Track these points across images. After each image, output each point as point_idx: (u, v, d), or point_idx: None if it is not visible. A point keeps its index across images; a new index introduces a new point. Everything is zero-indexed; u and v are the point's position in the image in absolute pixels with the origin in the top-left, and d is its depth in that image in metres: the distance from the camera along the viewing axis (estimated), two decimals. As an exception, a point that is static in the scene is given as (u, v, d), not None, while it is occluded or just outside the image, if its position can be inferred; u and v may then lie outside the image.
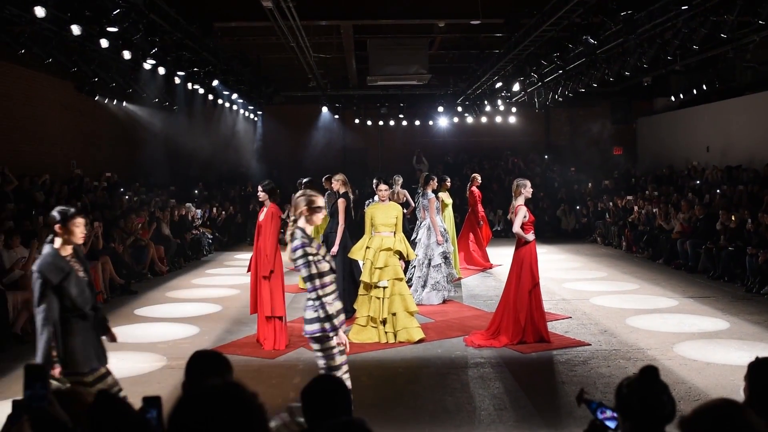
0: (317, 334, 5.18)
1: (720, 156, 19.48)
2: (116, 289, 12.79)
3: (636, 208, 18.22)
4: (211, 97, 18.44)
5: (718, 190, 16.55)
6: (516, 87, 17.92)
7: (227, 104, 20.84)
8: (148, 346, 9.26)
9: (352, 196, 11.21)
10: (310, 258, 5.15)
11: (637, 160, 25.30)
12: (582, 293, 12.42)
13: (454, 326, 10.04)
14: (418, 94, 23.39)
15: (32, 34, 11.35)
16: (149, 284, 14.01)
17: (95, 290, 5.25)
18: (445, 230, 12.26)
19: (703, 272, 14.04)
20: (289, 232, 5.34)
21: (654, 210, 17.17)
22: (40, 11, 9.71)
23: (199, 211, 19.42)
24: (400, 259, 9.34)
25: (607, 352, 8.59)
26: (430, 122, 25.74)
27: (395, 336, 9.11)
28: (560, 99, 18.60)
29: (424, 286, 11.62)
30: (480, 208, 15.34)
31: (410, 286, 11.08)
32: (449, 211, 13.81)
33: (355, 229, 11.65)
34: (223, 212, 20.69)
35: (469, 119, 24.48)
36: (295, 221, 5.37)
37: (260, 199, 9.18)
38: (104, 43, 11.49)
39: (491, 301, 11.46)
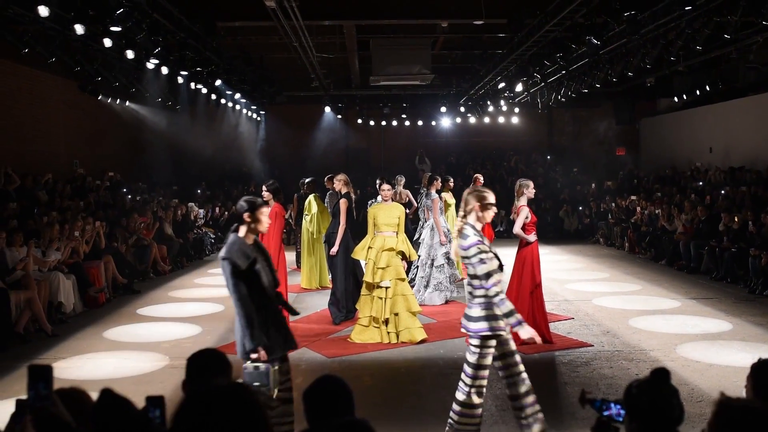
0: (485, 333, 5.19)
1: (723, 157, 19.46)
2: (119, 288, 12.80)
3: (639, 209, 18.21)
4: (214, 96, 18.43)
5: (722, 191, 16.53)
6: (519, 87, 17.90)
7: (230, 104, 20.83)
8: (150, 346, 9.28)
9: (353, 197, 11.22)
10: (484, 255, 5.16)
11: (640, 161, 25.28)
12: (584, 294, 12.41)
13: (456, 327, 9.90)
14: (421, 94, 23.39)
15: (36, 34, 11.36)
16: (152, 284, 14.02)
17: (276, 278, 5.31)
18: (448, 230, 12.25)
19: (706, 273, 14.02)
20: (457, 228, 5.34)
21: (657, 211, 17.16)
22: (43, 10, 9.70)
23: (201, 210, 19.44)
24: (402, 260, 9.33)
25: (609, 353, 8.58)
26: (433, 122, 25.74)
27: (397, 336, 9.10)
28: (563, 99, 18.59)
29: (426, 287, 11.62)
30: (482, 208, 15.31)
31: (413, 287, 11.08)
32: (452, 211, 13.80)
33: (358, 229, 11.65)
34: (226, 212, 20.70)
35: (472, 119, 24.47)
36: (464, 217, 5.35)
37: (264, 199, 9.18)
38: (107, 42, 11.49)
39: (493, 302, 11.45)
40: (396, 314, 9.11)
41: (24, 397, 2.67)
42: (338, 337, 9.58)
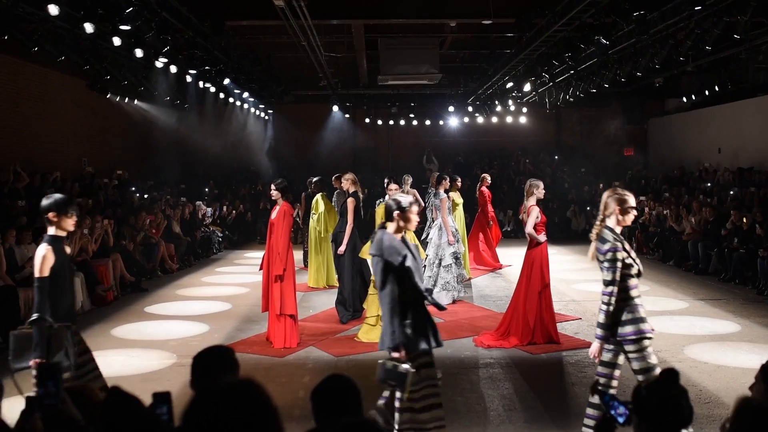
0: (631, 337, 5.13)
1: (731, 157, 19.39)
2: (127, 286, 12.85)
3: (647, 209, 18.15)
4: (222, 95, 18.46)
5: (731, 192, 16.46)
6: (527, 87, 17.87)
7: (238, 103, 20.86)
8: (158, 344, 9.30)
9: (361, 196, 11.22)
10: (619, 264, 5.12)
11: (648, 162, 25.21)
12: (592, 294, 12.36)
13: (463, 326, 10.03)
14: (429, 93, 23.38)
15: (45, 32, 11.40)
16: (159, 282, 14.06)
17: (423, 273, 5.30)
18: (456, 230, 12.25)
19: (714, 274, 13.97)
20: (595, 231, 5.31)
21: (665, 212, 17.10)
22: (53, 9, 9.74)
23: (209, 209, 19.48)
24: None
25: (617, 353, 8.56)
26: (441, 122, 25.71)
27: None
28: (571, 99, 18.55)
29: (434, 286, 11.60)
30: (490, 208, 15.31)
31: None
32: (460, 210, 13.80)
33: (365, 228, 11.66)
34: (233, 211, 20.74)
35: (480, 119, 24.43)
36: (603, 220, 5.32)
37: (273, 198, 9.20)
38: (117, 41, 11.51)
39: (501, 302, 11.45)
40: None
41: (33, 394, 2.68)
42: (345, 336, 9.59)
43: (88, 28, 10.53)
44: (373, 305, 9.23)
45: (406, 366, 4.78)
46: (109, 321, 10.68)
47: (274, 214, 9.00)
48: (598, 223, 5.34)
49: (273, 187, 9.14)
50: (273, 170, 23.13)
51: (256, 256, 15.65)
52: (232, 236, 19.99)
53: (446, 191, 12.32)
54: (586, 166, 24.74)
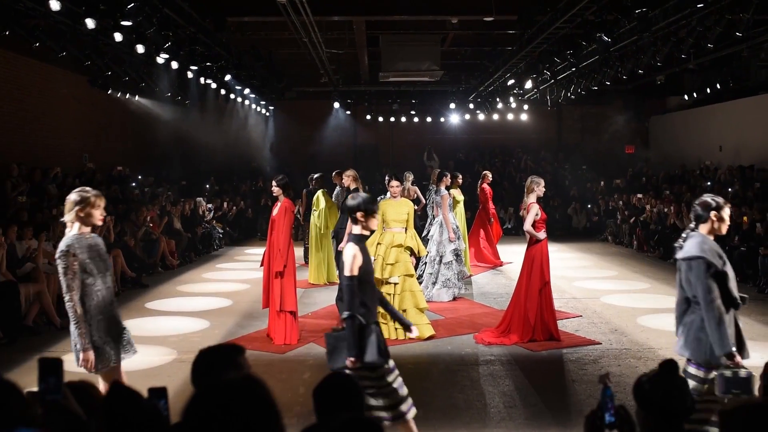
0: None
1: (733, 155, 19.38)
2: (127, 282, 12.85)
3: (648, 207, 18.15)
4: (223, 91, 18.43)
5: (729, 190, 16.45)
6: (528, 84, 17.84)
7: (239, 99, 20.84)
8: (158, 340, 9.31)
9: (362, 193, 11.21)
10: None
11: (650, 159, 25.20)
12: (592, 292, 12.38)
13: (464, 323, 10.03)
14: (430, 90, 23.36)
15: (47, 28, 11.39)
16: (160, 278, 14.07)
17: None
18: (457, 227, 12.24)
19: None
20: None
21: (665, 209, 17.09)
22: (54, 4, 9.73)
23: (210, 205, 19.47)
24: (411, 256, 9.33)
25: (617, 351, 8.57)
26: (442, 119, 25.70)
27: (405, 332, 9.09)
28: (573, 97, 18.53)
29: (434, 283, 11.61)
30: (491, 205, 15.32)
31: (421, 283, 11.07)
32: (460, 208, 13.80)
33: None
34: (234, 207, 20.74)
35: (481, 116, 24.43)
36: None
37: (274, 194, 9.19)
38: (118, 37, 11.50)
39: (501, 299, 11.46)
40: (404, 310, 9.11)
41: (34, 389, 2.68)
42: (346, 332, 9.57)
43: (90, 23, 10.52)
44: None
45: (747, 371, 4.44)
46: (109, 317, 10.66)
47: (275, 211, 9.00)
48: None
49: (274, 183, 9.14)
50: (274, 166, 23.11)
51: (257, 252, 15.66)
52: (232, 233, 19.99)
53: (447, 188, 12.31)
54: (587, 163, 24.73)
